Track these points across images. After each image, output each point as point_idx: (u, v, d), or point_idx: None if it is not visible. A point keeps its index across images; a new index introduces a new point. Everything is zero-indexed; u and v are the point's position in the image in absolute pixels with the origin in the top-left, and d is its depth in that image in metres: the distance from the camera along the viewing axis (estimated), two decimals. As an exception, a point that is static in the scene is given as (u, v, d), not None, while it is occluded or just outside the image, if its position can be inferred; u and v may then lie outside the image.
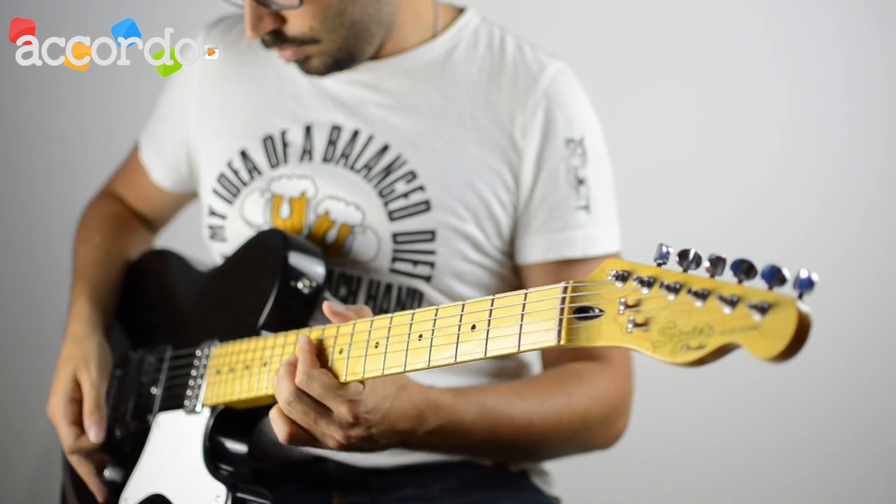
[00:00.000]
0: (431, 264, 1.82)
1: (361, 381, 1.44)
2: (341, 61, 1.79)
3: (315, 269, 1.72)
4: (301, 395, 1.44)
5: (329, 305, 1.47)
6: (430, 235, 1.82)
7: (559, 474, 1.96)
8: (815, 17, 2.95)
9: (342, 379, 1.45)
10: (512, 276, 1.88)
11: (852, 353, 2.95)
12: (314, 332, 1.52)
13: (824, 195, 2.97)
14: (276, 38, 1.75)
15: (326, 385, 1.43)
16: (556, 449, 1.82)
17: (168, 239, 2.10)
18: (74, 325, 1.88)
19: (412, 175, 1.82)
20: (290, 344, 1.56)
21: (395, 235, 1.82)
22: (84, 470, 1.81)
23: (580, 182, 1.84)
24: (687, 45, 2.97)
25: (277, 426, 1.47)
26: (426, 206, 1.82)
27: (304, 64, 1.80)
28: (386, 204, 1.82)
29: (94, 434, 1.78)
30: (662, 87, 2.97)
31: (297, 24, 1.73)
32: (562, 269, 1.82)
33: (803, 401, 2.95)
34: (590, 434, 1.79)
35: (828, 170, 2.96)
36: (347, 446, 1.48)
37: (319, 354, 1.47)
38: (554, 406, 1.71)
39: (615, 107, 2.81)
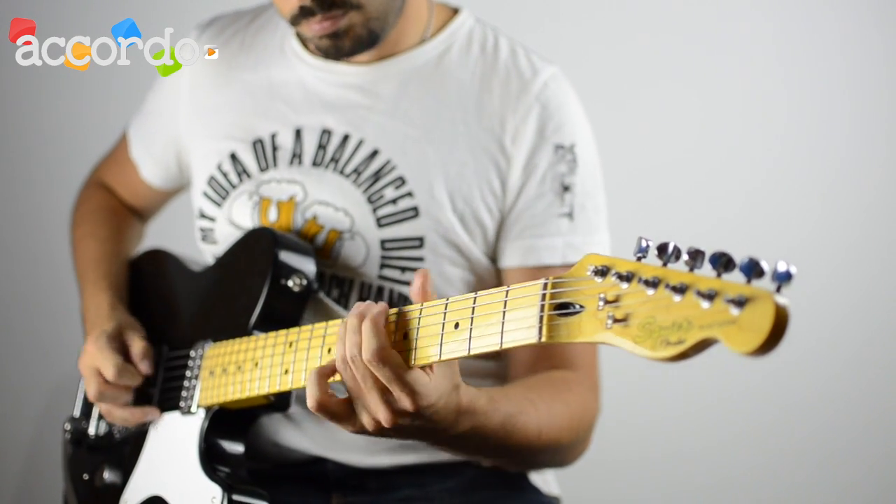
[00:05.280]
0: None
1: (427, 372, 1.36)
2: (374, 34, 1.76)
3: (306, 266, 1.72)
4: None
5: (424, 273, 1.38)
6: (419, 242, 1.81)
7: (559, 474, 1.95)
8: (816, 17, 2.96)
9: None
10: (499, 280, 1.87)
11: (853, 353, 2.95)
12: (303, 331, 1.52)
13: (825, 195, 2.97)
14: (323, 2, 1.71)
15: (398, 368, 1.34)
16: (546, 459, 1.76)
17: (162, 239, 2.11)
18: (103, 322, 1.83)
19: (401, 181, 1.81)
20: (280, 344, 1.55)
21: (383, 242, 1.81)
22: (118, 401, 1.76)
23: (566, 189, 1.82)
24: (686, 46, 2.97)
25: (311, 390, 1.38)
26: (414, 212, 1.81)
27: (338, 39, 1.75)
28: (374, 210, 1.81)
29: (145, 366, 1.76)
30: (661, 88, 2.97)
31: None
32: (541, 275, 1.77)
33: (804, 401, 2.95)
34: (572, 448, 1.73)
35: (828, 170, 2.96)
36: (380, 431, 1.39)
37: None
38: (558, 416, 1.65)
39: (614, 107, 2.82)
